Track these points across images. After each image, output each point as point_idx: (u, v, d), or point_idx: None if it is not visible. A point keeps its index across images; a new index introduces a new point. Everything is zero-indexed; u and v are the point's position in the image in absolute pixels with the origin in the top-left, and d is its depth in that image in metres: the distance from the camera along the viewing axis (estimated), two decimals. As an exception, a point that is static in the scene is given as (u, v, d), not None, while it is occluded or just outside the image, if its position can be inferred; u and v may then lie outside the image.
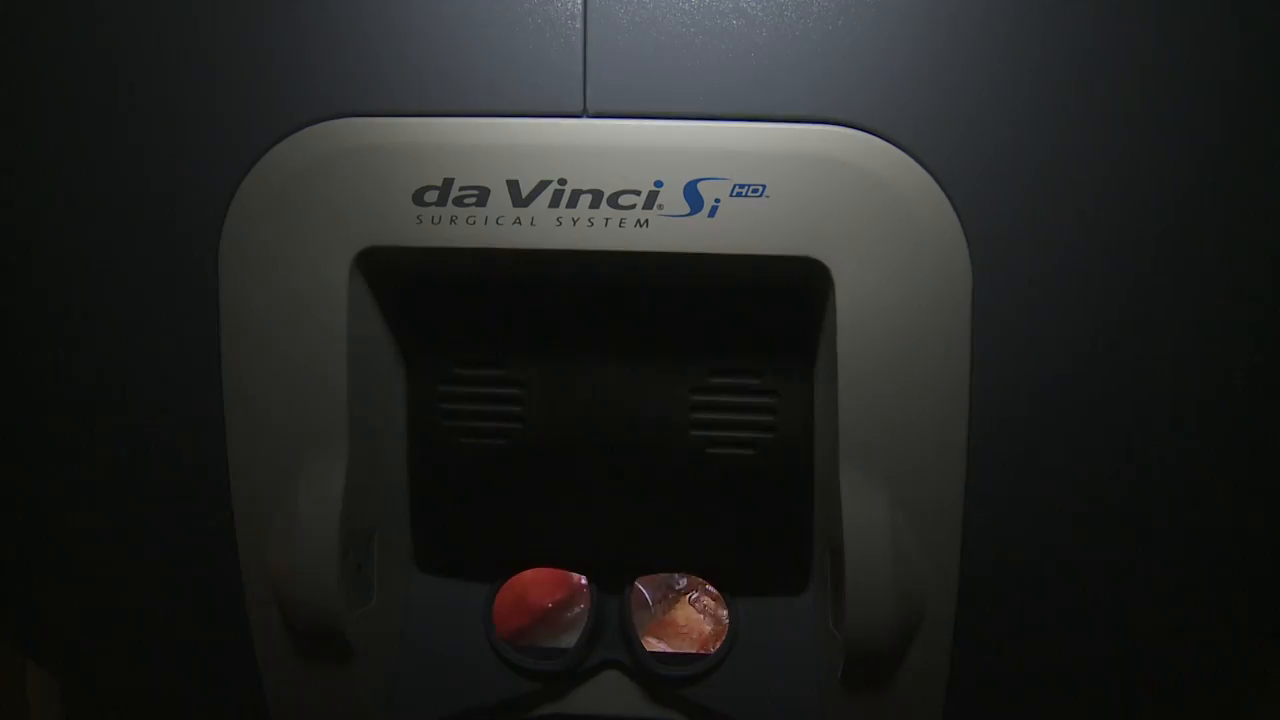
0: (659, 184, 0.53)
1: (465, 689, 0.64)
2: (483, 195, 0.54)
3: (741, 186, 0.53)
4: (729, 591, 0.65)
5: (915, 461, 0.55)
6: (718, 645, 0.64)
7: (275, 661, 0.59)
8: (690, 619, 0.69)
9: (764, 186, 0.53)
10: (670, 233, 0.53)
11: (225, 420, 0.56)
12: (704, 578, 0.66)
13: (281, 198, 0.54)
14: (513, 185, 0.53)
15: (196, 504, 0.57)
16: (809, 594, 0.64)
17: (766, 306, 0.59)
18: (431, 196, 0.54)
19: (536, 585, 0.72)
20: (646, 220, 0.53)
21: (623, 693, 0.65)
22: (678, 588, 0.75)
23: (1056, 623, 0.58)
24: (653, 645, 0.66)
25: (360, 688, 0.60)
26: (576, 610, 0.68)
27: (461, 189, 0.53)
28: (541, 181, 0.53)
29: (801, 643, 0.63)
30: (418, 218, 0.53)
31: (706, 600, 0.72)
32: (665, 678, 0.63)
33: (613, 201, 0.53)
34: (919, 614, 0.57)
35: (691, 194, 0.54)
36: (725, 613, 0.65)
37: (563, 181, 0.53)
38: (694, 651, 0.68)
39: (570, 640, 0.66)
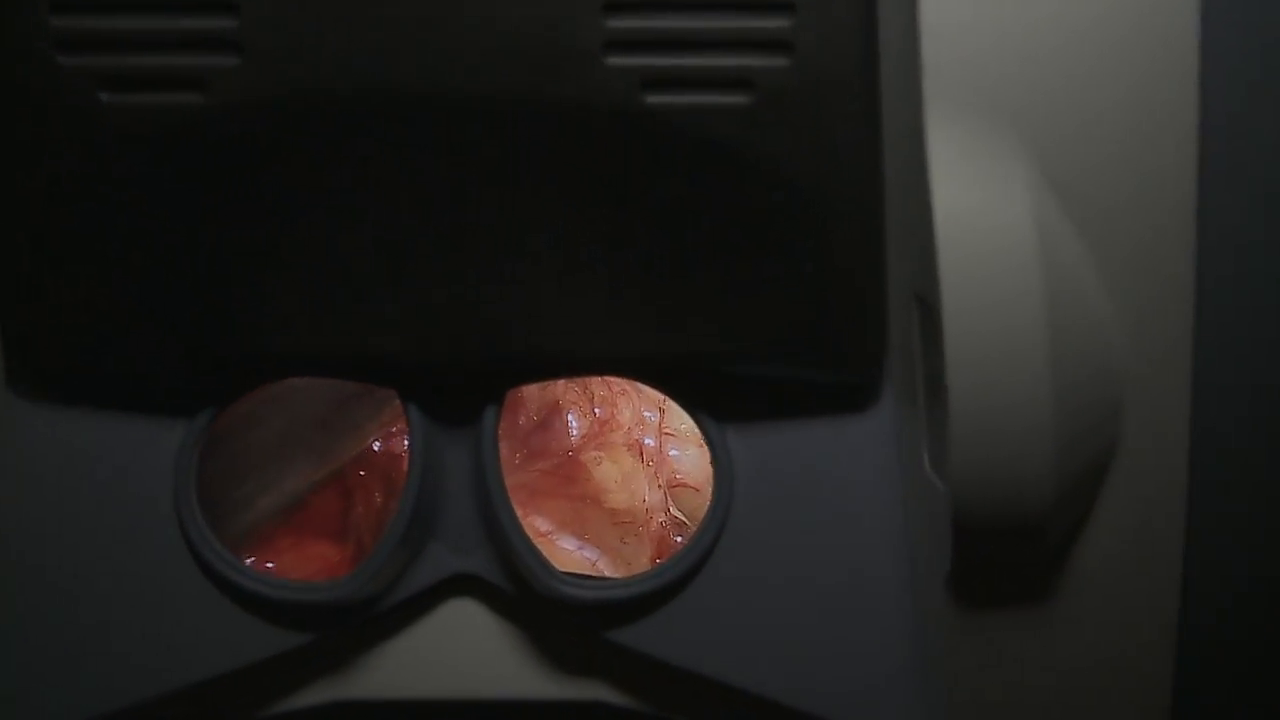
0: None
1: (147, 653, 0.38)
2: None
3: None
4: (709, 414, 0.38)
5: (1083, 110, 0.32)
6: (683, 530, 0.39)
7: None
8: (627, 469, 0.38)
9: None
10: None
11: None
12: (654, 386, 0.39)
13: None
14: None
15: None
16: (881, 409, 0.39)
17: None
18: None
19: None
20: None
21: (483, 642, 0.38)
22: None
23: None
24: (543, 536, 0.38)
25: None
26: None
27: None
28: None
29: (866, 513, 0.38)
30: None
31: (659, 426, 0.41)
32: (577, 603, 0.36)
33: None
34: (1109, 429, 0.33)
35: None
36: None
37: None
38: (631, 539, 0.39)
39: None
